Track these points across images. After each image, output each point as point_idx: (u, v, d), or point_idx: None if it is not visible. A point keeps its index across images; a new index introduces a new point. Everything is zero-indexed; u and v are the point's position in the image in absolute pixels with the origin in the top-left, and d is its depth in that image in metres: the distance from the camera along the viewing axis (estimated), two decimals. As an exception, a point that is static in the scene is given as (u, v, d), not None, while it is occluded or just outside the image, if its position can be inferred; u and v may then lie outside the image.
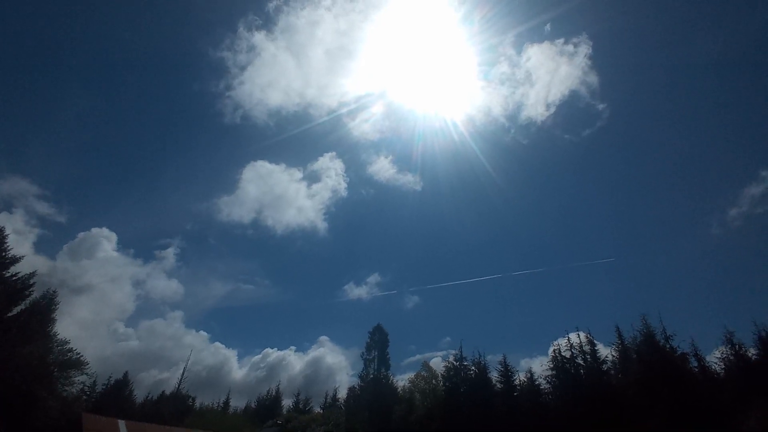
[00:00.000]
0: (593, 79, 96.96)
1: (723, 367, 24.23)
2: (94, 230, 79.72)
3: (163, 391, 42.81)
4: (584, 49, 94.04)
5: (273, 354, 63.74)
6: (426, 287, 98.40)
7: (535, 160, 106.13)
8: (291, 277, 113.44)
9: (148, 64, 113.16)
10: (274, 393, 38.67)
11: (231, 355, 69.04)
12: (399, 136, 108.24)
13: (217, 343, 72.49)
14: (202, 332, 78.34)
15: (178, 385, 39.63)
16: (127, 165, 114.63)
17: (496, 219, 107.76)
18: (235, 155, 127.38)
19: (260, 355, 66.03)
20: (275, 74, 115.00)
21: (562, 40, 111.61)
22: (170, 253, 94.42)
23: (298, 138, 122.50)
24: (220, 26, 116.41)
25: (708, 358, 25.25)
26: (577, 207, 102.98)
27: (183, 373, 38.62)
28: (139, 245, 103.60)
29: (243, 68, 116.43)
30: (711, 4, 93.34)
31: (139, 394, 41.82)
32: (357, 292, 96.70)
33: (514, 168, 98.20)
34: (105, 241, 76.11)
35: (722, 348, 24.40)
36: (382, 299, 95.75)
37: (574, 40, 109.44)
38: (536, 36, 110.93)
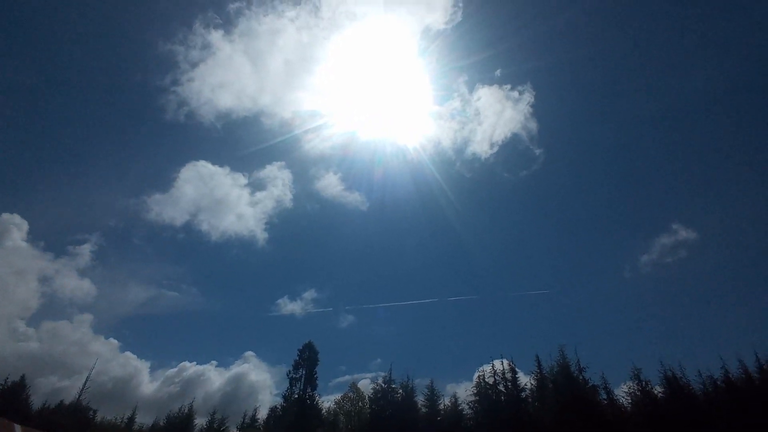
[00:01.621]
0: (533, 125, 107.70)
1: (630, 401, 25.66)
2: (5, 215, 70.81)
3: (61, 401, 38.46)
4: (528, 97, 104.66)
5: (191, 368, 58.81)
6: (362, 307, 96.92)
7: (477, 194, 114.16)
8: (221, 287, 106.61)
9: (87, 44, 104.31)
10: (186, 410, 35.83)
11: (143, 366, 62.82)
12: (349, 155, 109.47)
13: (128, 353, 65.66)
14: (112, 340, 70.19)
15: (79, 395, 35.88)
16: (50, 148, 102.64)
17: (436, 245, 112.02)
18: (174, 152, 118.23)
19: (176, 369, 60.48)
20: (229, 76, 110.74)
21: (509, 86, 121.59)
22: (86, 249, 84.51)
23: (246, 142, 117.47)
24: (174, 18, 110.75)
25: (616, 392, 26.74)
26: (511, 241, 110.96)
27: (85, 383, 35.07)
28: (51, 238, 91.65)
29: (194, 65, 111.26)
30: (644, 66, 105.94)
31: (36, 401, 37.25)
32: (291, 307, 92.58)
33: (457, 199, 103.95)
34: (14, 228, 67.95)
35: (629, 383, 25.95)
36: (316, 316, 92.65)
37: (520, 87, 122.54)
38: (487, 79, 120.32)
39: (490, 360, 30.21)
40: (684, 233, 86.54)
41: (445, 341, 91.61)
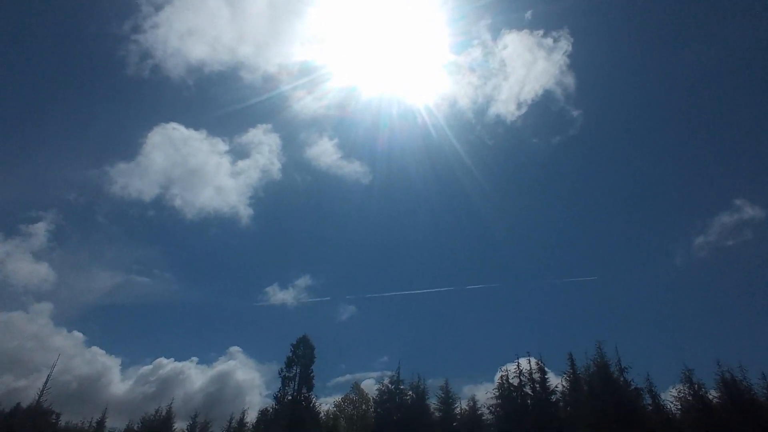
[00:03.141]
0: (570, 80, 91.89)
1: (679, 407, 22.36)
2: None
3: (18, 403, 34.60)
4: (564, 45, 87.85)
5: (168, 365, 54.05)
6: (365, 296, 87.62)
7: (501, 164, 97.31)
8: (200, 273, 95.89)
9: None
10: (164, 413, 31.67)
11: (113, 363, 57.46)
12: (347, 117, 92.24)
13: (95, 348, 60.24)
14: (75, 333, 63.52)
15: (39, 397, 31.40)
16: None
17: (452, 225, 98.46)
18: (140, 113, 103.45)
19: (151, 366, 55.57)
20: (201, 21, 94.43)
21: (542, 31, 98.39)
22: (41, 229, 75.67)
23: (224, 101, 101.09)
24: None
25: (663, 396, 23.48)
26: (540, 221, 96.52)
27: (46, 382, 30.63)
28: (0, 215, 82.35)
29: (159, 7, 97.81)
30: (699, 19, 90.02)
31: (-13, 404, 32.96)
32: (282, 296, 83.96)
33: (476, 170, 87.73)
34: (-46, 205, 61.08)
35: (680, 386, 22.79)
36: (311, 307, 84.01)
37: (554, 33, 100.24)
38: (515, 22, 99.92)
39: (515, 358, 26.71)
40: (750, 211, 69.84)
41: (463, 336, 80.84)
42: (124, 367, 72.62)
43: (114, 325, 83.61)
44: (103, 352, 59.12)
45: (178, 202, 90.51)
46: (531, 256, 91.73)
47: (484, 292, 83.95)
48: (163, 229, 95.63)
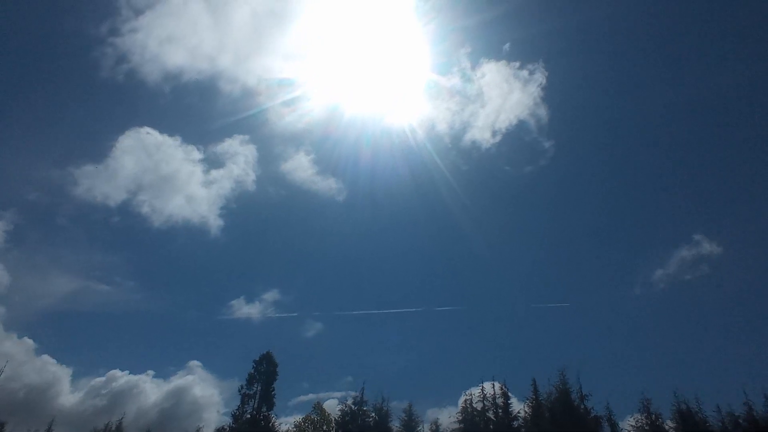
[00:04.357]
0: (543, 112, 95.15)
1: (637, 436, 22.44)
2: None
3: None
4: (539, 78, 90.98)
5: (122, 378, 51.08)
6: (333, 313, 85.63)
7: (474, 190, 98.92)
8: (163, 282, 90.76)
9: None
10: (114, 428, 29.98)
11: (63, 373, 53.69)
12: (325, 133, 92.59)
13: (46, 357, 56.09)
14: (26, 339, 58.75)
15: (-21, 408, 29.32)
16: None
17: (423, 246, 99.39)
18: (113, 116, 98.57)
19: (104, 378, 52.41)
20: (182, 28, 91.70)
21: (518, 63, 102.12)
22: None
23: (200, 110, 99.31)
24: None
25: (621, 425, 23.68)
26: (508, 246, 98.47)
27: (-12, 392, 28.58)
28: None
29: (139, 12, 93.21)
30: (663, 59, 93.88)
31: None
32: (247, 310, 79.99)
33: (449, 194, 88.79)
34: None
35: (637, 416, 22.87)
36: (277, 322, 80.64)
37: (530, 66, 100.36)
38: (494, 53, 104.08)
39: (479, 382, 26.44)
40: (707, 246, 72.92)
41: (429, 358, 79.52)
42: (76, 377, 68.11)
43: (68, 333, 78.40)
44: (54, 361, 55.44)
45: (145, 209, 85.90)
46: (498, 280, 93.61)
47: (452, 315, 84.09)
48: (128, 236, 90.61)
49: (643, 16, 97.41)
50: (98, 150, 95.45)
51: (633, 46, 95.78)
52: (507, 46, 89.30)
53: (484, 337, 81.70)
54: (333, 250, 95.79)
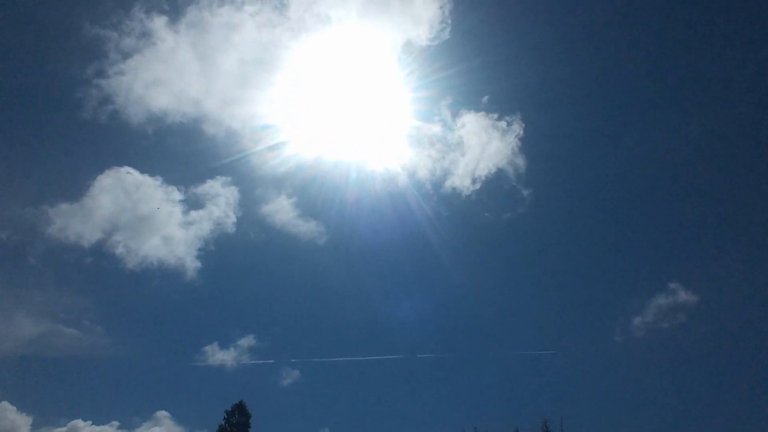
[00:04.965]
0: (521, 161, 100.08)
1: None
2: None
3: None
4: (516, 129, 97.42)
5: (85, 429, 45.98)
6: (311, 360, 79.69)
7: (455, 236, 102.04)
8: (134, 327, 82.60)
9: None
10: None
11: (23, 422, 48.00)
12: (308, 178, 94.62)
13: (5, 403, 50.23)
14: None
15: None
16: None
17: (403, 293, 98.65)
18: (92, 156, 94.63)
19: (65, 429, 47.38)
20: (169, 72, 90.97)
21: (496, 115, 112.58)
22: None
23: (185, 151, 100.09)
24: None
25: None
26: (487, 293, 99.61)
27: None
28: None
29: (127, 55, 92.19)
30: (645, 108, 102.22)
31: None
32: (221, 356, 73.11)
33: (432, 240, 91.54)
34: None
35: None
36: (252, 369, 73.72)
37: (508, 118, 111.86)
38: (473, 104, 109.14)
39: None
40: (684, 295, 76.86)
41: (410, 407, 76.50)
42: (35, 427, 60.17)
43: (31, 379, 69.83)
44: (14, 408, 49.43)
45: (120, 250, 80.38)
46: (480, 328, 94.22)
47: (434, 362, 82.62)
48: (100, 278, 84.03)
49: (618, 72, 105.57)
50: (75, 189, 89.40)
51: (609, 98, 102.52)
52: (486, 98, 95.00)
53: (467, 386, 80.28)
54: (312, 295, 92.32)
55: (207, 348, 77.86)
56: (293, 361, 79.04)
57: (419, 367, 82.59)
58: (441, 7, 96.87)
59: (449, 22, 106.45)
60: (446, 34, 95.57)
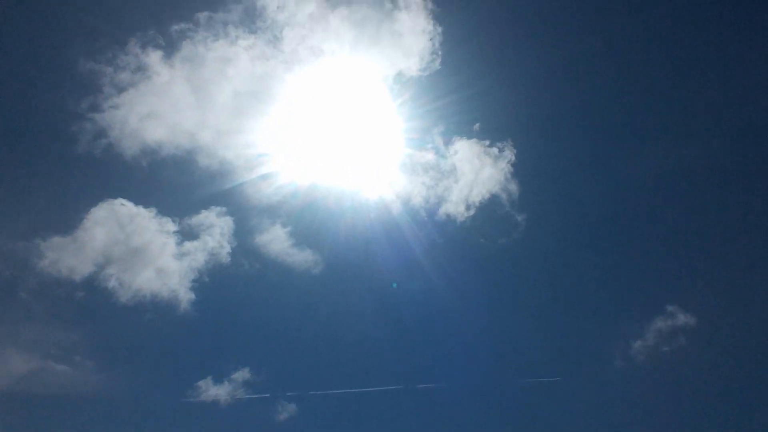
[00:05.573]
0: (513, 187, 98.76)
1: None
2: None
3: None
4: (508, 155, 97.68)
5: None
6: (308, 393, 75.35)
7: (451, 263, 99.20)
8: (126, 362, 77.59)
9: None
10: None
11: None
12: (303, 206, 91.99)
13: None
14: None
15: None
16: None
17: (401, 322, 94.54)
18: (86, 189, 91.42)
19: None
20: (164, 106, 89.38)
21: (488, 142, 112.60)
22: None
23: (179, 182, 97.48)
24: (105, 35, 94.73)
25: None
26: (484, 320, 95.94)
27: None
28: None
29: (122, 89, 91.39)
30: (636, 134, 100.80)
31: None
32: (215, 391, 68.62)
33: (428, 267, 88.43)
34: None
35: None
36: (247, 404, 69.50)
37: (499, 144, 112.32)
38: (465, 132, 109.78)
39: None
40: (682, 318, 72.18)
41: None
42: None
43: (19, 418, 66.84)
44: None
45: (112, 284, 77.19)
46: (478, 356, 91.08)
47: (434, 392, 78.58)
48: (92, 312, 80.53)
49: (605, 101, 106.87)
50: (68, 222, 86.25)
51: (597, 124, 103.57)
52: (477, 126, 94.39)
53: (465, 415, 77.09)
54: (308, 325, 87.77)
55: (200, 383, 73.35)
56: (289, 394, 75.11)
57: (419, 397, 78.62)
58: (431, 39, 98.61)
59: (439, 53, 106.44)
60: (437, 65, 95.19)
